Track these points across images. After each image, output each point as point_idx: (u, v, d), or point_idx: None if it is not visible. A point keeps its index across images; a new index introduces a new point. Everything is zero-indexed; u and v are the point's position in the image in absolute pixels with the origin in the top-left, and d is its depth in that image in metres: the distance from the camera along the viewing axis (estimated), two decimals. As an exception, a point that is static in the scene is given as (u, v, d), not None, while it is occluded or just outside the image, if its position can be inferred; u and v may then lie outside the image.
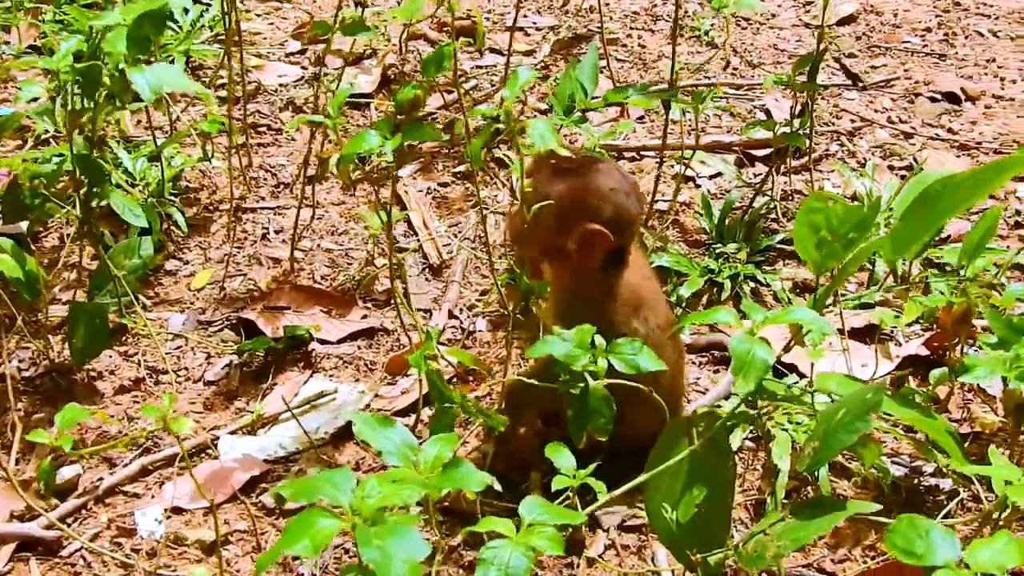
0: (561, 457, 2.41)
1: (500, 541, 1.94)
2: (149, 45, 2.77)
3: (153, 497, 2.75)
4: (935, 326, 3.26)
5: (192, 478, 2.36)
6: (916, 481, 2.80)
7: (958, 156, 4.16)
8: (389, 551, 1.68)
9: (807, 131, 3.64)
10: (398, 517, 1.80)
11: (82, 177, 2.95)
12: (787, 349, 2.20)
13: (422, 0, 2.90)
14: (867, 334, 3.25)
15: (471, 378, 3.09)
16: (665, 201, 3.79)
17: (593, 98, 3.30)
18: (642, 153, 4.12)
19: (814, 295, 2.26)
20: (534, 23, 5.01)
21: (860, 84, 4.64)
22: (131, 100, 2.84)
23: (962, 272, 2.68)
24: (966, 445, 2.86)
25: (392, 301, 3.31)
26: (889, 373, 3.13)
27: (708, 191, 3.88)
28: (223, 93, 4.11)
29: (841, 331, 3.15)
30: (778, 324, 2.15)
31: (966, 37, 5.09)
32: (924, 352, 3.19)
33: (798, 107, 3.61)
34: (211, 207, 3.77)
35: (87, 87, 2.83)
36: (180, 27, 4.64)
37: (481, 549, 1.93)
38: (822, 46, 3.46)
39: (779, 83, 3.53)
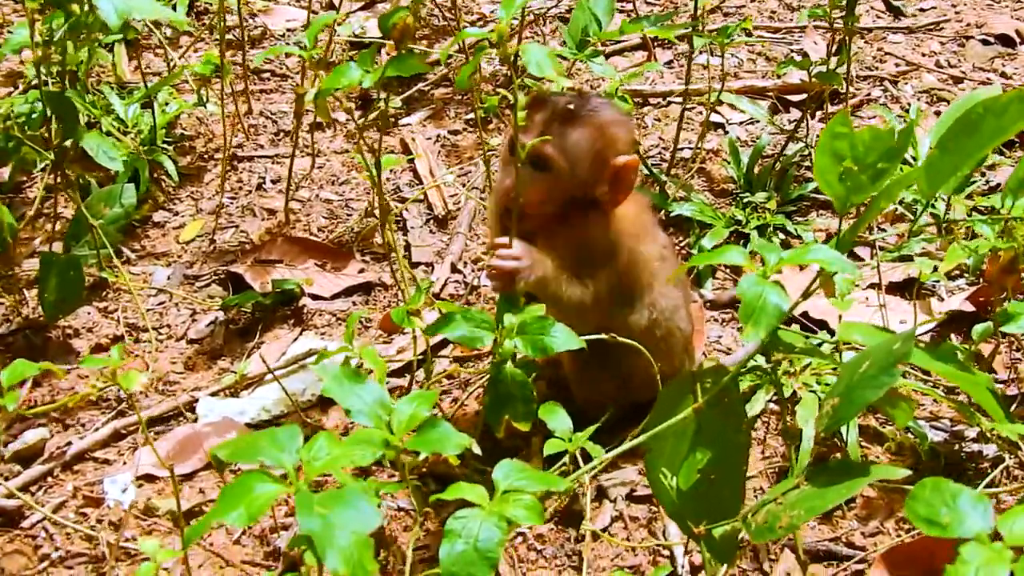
0: (556, 419, 2.18)
1: (471, 510, 1.71)
2: (119, -34, 2.55)
3: (125, 464, 2.53)
4: (981, 279, 3.00)
5: (150, 445, 2.14)
6: (957, 447, 2.53)
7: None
8: (333, 521, 1.45)
9: (845, 71, 3.36)
10: (354, 483, 1.58)
11: (53, 116, 2.74)
12: (806, 295, 1.93)
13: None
14: (907, 288, 2.98)
15: (473, 335, 2.85)
16: (690, 148, 3.53)
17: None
18: (668, 99, 3.86)
19: (837, 233, 1.99)
20: (562, -33, 4.75)
21: (901, 16, 4.36)
22: (99, 28, 2.62)
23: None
24: (1013, 408, 2.61)
25: (392, 254, 3.08)
26: (929, 330, 2.87)
27: (738, 138, 3.61)
28: (230, 38, 3.91)
29: (878, 285, 2.89)
30: (795, 265, 1.89)
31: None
32: (969, 308, 2.92)
33: (835, 46, 3.34)
34: (206, 156, 3.54)
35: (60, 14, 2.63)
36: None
37: (449, 519, 1.69)
38: (860, -23, 3.20)
39: (814, 17, 3.27)
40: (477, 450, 1.85)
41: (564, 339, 2.06)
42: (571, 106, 2.35)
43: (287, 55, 4.03)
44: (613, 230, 2.42)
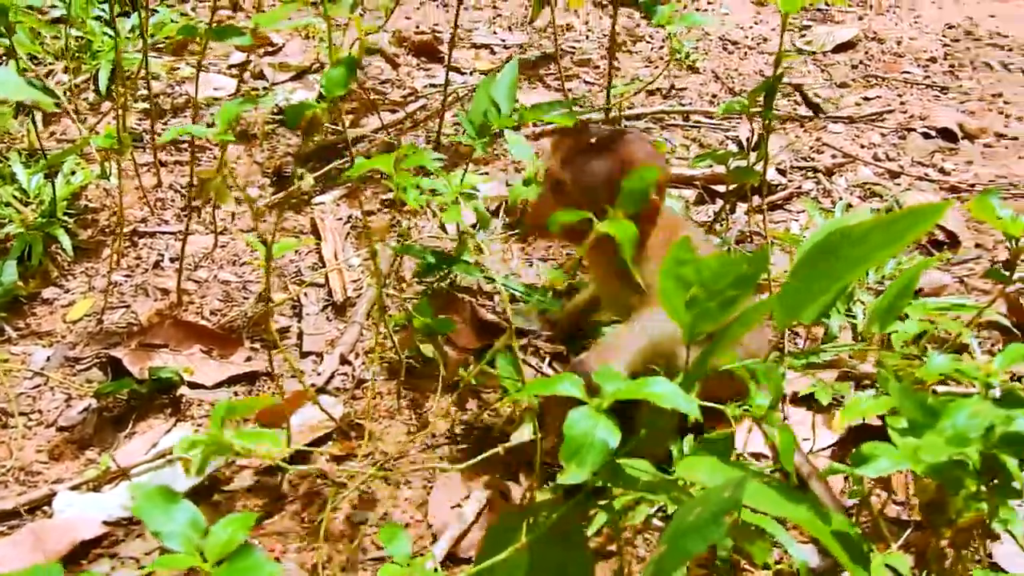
0: (396, 542, 2.06)
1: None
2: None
3: (-31, 560, 2.40)
4: (889, 391, 2.87)
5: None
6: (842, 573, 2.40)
7: (946, 199, 3.75)
8: None
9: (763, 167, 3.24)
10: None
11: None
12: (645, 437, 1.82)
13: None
14: (815, 400, 2.86)
15: (353, 433, 2.73)
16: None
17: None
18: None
19: (685, 366, 1.88)
20: (503, 40, 4.66)
21: (822, 114, 4.24)
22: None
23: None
24: (909, 533, 2.48)
25: (282, 341, 2.96)
26: (831, 445, 2.75)
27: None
28: (146, 107, 3.81)
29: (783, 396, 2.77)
30: (632, 399, 1.77)
31: (974, 69, 4.65)
32: (875, 421, 2.79)
33: (755, 138, 3.23)
34: (108, 229, 3.43)
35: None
36: (116, 33, 4.32)
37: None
38: (780, 71, 3.09)
39: (730, 112, 3.16)
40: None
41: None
42: (597, 137, 2.53)
43: (209, 124, 3.92)
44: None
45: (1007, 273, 2.53)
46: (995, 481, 1.95)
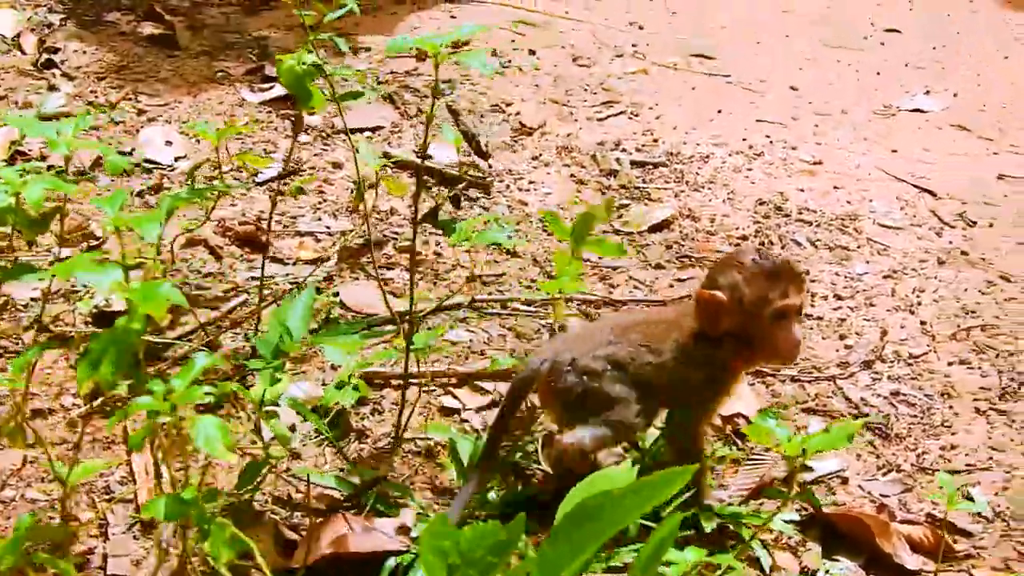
0: None
1: None
2: None
3: None
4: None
5: None
6: None
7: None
8: None
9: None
10: None
11: None
12: None
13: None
14: (615, 604, 2.93)
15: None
16: (423, 440, 3.48)
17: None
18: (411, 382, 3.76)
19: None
20: (327, 227, 4.70)
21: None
22: None
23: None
24: None
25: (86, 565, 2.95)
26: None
27: (474, 427, 3.56)
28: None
29: (583, 604, 2.83)
30: None
31: (783, 246, 4.78)
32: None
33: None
34: (-89, 449, 3.40)
35: None
36: (-62, 231, 4.31)
37: None
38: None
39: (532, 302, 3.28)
40: None
41: None
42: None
43: (25, 328, 3.91)
44: None
45: (785, 490, 2.64)
46: None
